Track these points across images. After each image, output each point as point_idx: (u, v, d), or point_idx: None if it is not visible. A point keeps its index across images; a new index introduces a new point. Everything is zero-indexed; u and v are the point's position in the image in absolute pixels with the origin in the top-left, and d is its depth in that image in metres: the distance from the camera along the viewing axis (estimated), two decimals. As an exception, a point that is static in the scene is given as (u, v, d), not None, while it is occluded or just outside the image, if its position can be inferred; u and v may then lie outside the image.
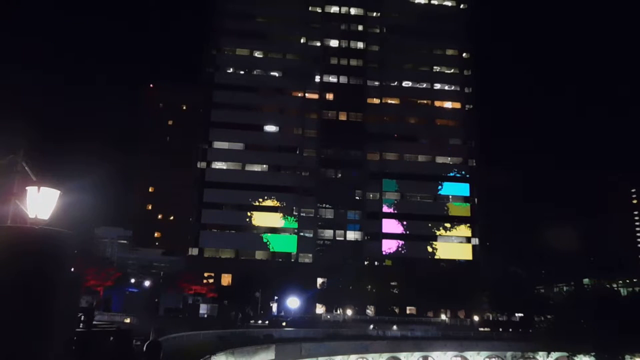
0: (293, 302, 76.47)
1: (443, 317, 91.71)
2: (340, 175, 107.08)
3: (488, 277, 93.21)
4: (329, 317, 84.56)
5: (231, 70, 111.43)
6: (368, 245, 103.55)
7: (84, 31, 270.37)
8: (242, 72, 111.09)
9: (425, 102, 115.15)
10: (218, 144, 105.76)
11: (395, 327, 73.09)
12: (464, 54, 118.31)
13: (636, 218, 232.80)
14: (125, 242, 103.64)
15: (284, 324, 67.39)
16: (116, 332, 20.12)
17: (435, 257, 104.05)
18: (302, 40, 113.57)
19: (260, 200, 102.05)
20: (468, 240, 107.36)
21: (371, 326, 71.78)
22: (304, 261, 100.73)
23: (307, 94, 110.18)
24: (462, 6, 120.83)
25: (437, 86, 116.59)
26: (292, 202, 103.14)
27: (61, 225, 8.25)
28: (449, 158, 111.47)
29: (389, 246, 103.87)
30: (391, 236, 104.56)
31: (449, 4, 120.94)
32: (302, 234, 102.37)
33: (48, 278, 7.37)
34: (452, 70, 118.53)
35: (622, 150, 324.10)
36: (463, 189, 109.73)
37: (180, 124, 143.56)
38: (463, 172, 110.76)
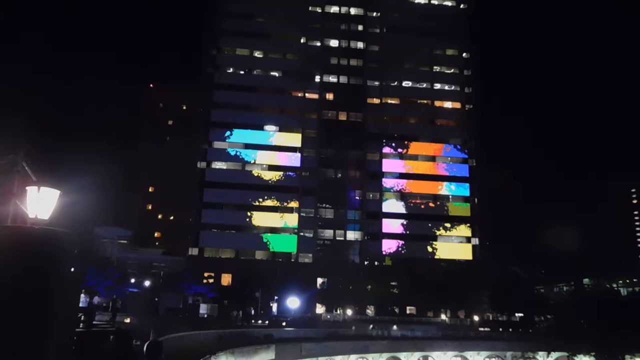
0: (293, 302, 76.44)
1: (443, 317, 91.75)
2: (340, 175, 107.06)
3: (488, 277, 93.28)
4: (329, 317, 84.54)
5: (231, 70, 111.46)
6: (368, 245, 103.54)
7: (83, 30, 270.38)
8: (242, 72, 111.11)
9: (425, 102, 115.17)
10: (218, 144, 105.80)
11: (395, 327, 73.15)
12: (464, 54, 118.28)
13: (636, 218, 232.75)
14: (125, 242, 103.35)
15: (284, 324, 67.36)
16: (116, 332, 20.15)
17: (435, 257, 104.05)
18: (302, 40, 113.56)
19: (260, 200, 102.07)
20: (468, 240, 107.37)
21: (371, 326, 71.79)
22: (304, 261, 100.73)
23: (307, 94, 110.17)
24: (462, 6, 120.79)
25: (437, 86, 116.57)
26: (292, 202, 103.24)
27: (61, 225, 8.24)
28: (449, 158, 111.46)
29: (389, 246, 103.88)
30: (391, 236, 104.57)
31: (448, 4, 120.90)
32: (302, 234, 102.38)
33: (48, 278, 7.37)
34: (452, 70, 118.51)
35: (622, 150, 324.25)
36: (463, 189, 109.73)
37: (180, 124, 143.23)
38: (463, 172, 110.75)
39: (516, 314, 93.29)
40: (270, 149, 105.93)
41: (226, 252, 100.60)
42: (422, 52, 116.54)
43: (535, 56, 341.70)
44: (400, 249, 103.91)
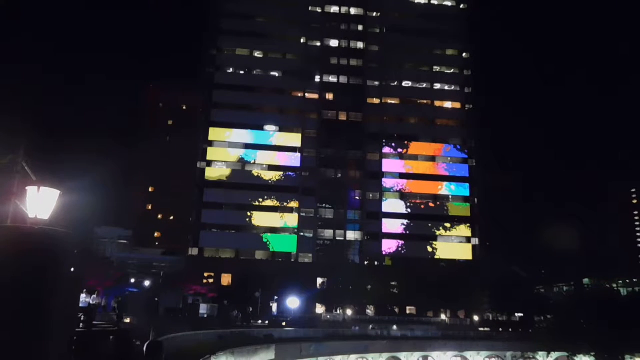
0: (293, 302, 76.41)
1: (443, 317, 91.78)
2: (340, 175, 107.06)
3: (488, 277, 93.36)
4: (329, 317, 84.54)
5: (231, 70, 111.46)
6: (368, 245, 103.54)
7: (83, 30, 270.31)
8: (242, 72, 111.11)
9: (425, 102, 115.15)
10: (218, 144, 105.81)
11: (395, 327, 73.18)
12: (464, 54, 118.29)
13: (636, 218, 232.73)
14: (125, 242, 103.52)
15: (284, 324, 67.33)
16: (116, 332, 20.15)
17: (436, 257, 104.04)
18: (302, 40, 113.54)
19: (260, 200, 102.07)
20: (468, 240, 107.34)
21: (371, 326, 71.81)
22: (304, 261, 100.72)
23: (307, 94, 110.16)
24: (462, 6, 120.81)
25: (437, 86, 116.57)
26: (292, 202, 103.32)
27: (61, 225, 8.24)
28: (449, 158, 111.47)
29: (389, 246, 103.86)
30: (391, 236, 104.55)
31: (448, 3, 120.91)
32: (302, 234, 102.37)
33: (48, 278, 7.37)
34: (452, 70, 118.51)
35: (622, 150, 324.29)
36: (463, 189, 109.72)
37: (180, 124, 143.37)
38: (463, 172, 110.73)
39: (516, 314, 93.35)
40: (270, 149, 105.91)
41: (226, 252, 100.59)
42: (422, 52, 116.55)
43: (535, 56, 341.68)
44: (400, 249, 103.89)
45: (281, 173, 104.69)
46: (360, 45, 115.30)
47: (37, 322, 7.15)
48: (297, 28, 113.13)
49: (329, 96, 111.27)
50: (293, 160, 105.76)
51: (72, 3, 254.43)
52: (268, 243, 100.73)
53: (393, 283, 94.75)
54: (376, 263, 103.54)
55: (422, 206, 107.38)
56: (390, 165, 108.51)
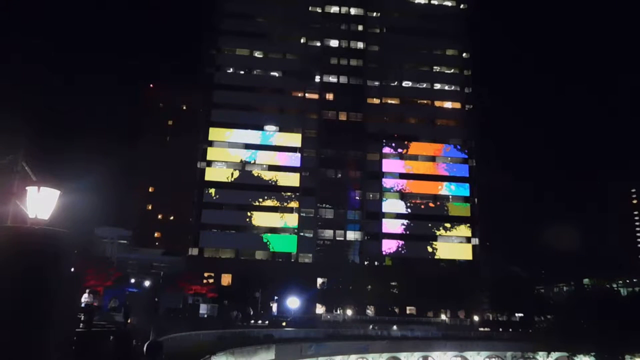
0: (293, 302, 76.42)
1: (443, 317, 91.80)
2: (340, 175, 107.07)
3: (488, 277, 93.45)
4: (329, 317, 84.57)
5: (231, 70, 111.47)
6: (368, 245, 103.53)
7: (83, 30, 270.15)
8: (242, 72, 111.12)
9: (425, 102, 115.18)
10: (218, 144, 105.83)
11: (395, 327, 73.18)
12: (464, 54, 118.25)
13: (636, 218, 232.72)
14: (125, 242, 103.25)
15: (284, 324, 67.34)
16: (116, 332, 20.13)
17: (435, 257, 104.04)
18: (302, 40, 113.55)
19: (260, 200, 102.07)
20: (468, 240, 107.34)
21: (371, 326, 71.81)
22: (304, 261, 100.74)
23: (307, 94, 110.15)
24: (462, 6, 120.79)
25: (437, 86, 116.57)
26: (292, 202, 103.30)
27: (61, 225, 8.23)
28: (449, 158, 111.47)
29: (389, 246, 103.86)
30: (391, 236, 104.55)
31: (448, 4, 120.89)
32: (302, 234, 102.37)
33: (48, 278, 7.37)
34: (452, 70, 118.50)
35: (622, 151, 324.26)
36: (463, 189, 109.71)
37: (180, 124, 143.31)
38: (463, 172, 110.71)
39: (516, 314, 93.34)
40: (270, 149, 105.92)
41: (226, 252, 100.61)
42: (422, 52, 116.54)
43: (535, 56, 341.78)
44: (400, 249, 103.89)
45: (281, 173, 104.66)
46: (360, 45, 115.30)
47: (37, 322, 7.15)
48: (297, 28, 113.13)
49: (329, 96, 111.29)
50: (293, 160, 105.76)
51: (72, 3, 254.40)
52: (268, 243, 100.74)
53: (393, 283, 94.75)
54: (376, 263, 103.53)
55: (422, 206, 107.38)
56: (390, 165, 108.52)
